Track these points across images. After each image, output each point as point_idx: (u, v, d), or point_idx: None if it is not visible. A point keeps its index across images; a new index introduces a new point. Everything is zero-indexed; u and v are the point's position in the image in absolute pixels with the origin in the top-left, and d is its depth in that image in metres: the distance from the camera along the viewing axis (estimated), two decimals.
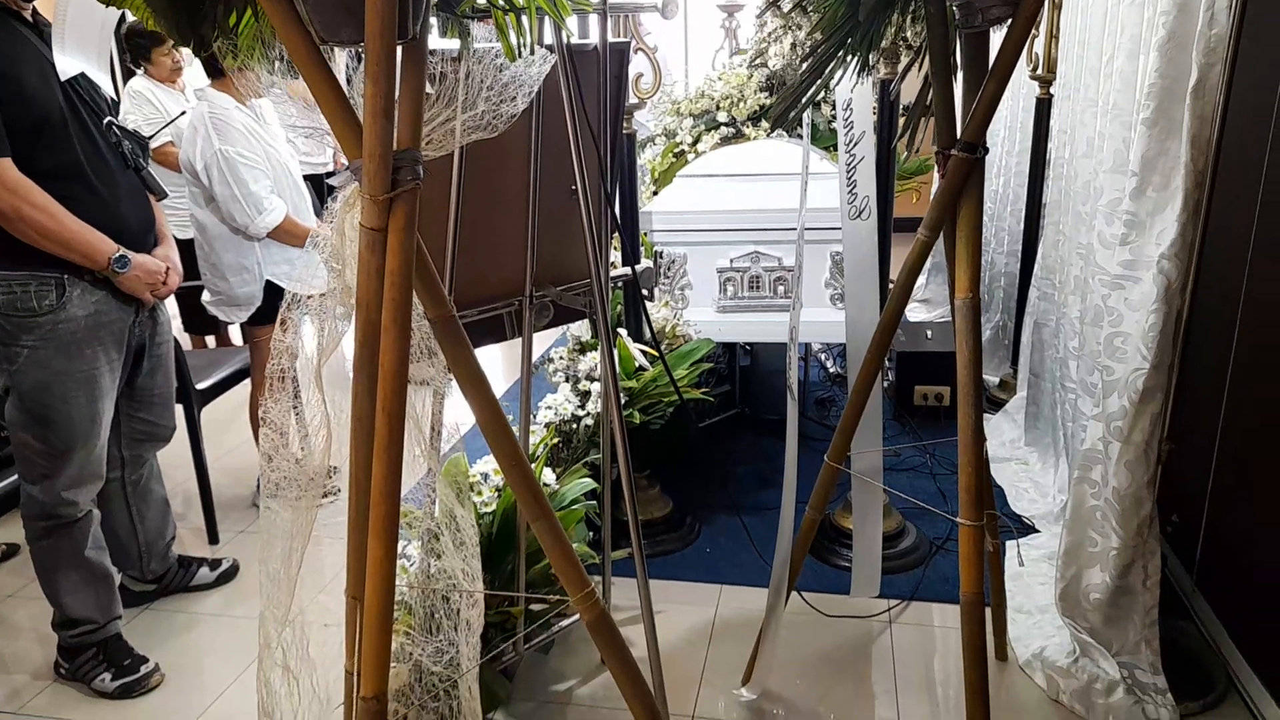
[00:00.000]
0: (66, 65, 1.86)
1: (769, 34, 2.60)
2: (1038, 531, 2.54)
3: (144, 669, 2.11)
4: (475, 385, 1.17)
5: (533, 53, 1.20)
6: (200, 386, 2.72)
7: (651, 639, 1.60)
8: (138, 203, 2.10)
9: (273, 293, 2.75)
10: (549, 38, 1.45)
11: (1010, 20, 1.45)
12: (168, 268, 2.13)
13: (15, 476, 2.07)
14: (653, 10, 1.68)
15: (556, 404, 2.51)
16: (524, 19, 1.12)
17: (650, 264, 2.55)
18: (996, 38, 1.51)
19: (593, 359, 2.57)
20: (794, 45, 2.59)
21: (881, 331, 1.70)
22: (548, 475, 2.04)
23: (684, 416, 2.57)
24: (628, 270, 1.81)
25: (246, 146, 2.65)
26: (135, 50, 3.57)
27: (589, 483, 2.09)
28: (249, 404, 2.90)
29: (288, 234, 2.72)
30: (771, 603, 1.89)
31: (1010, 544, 2.33)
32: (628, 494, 1.58)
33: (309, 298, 1.17)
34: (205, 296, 2.80)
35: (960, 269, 1.60)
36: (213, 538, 2.76)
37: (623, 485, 1.57)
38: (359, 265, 1.08)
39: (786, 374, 1.88)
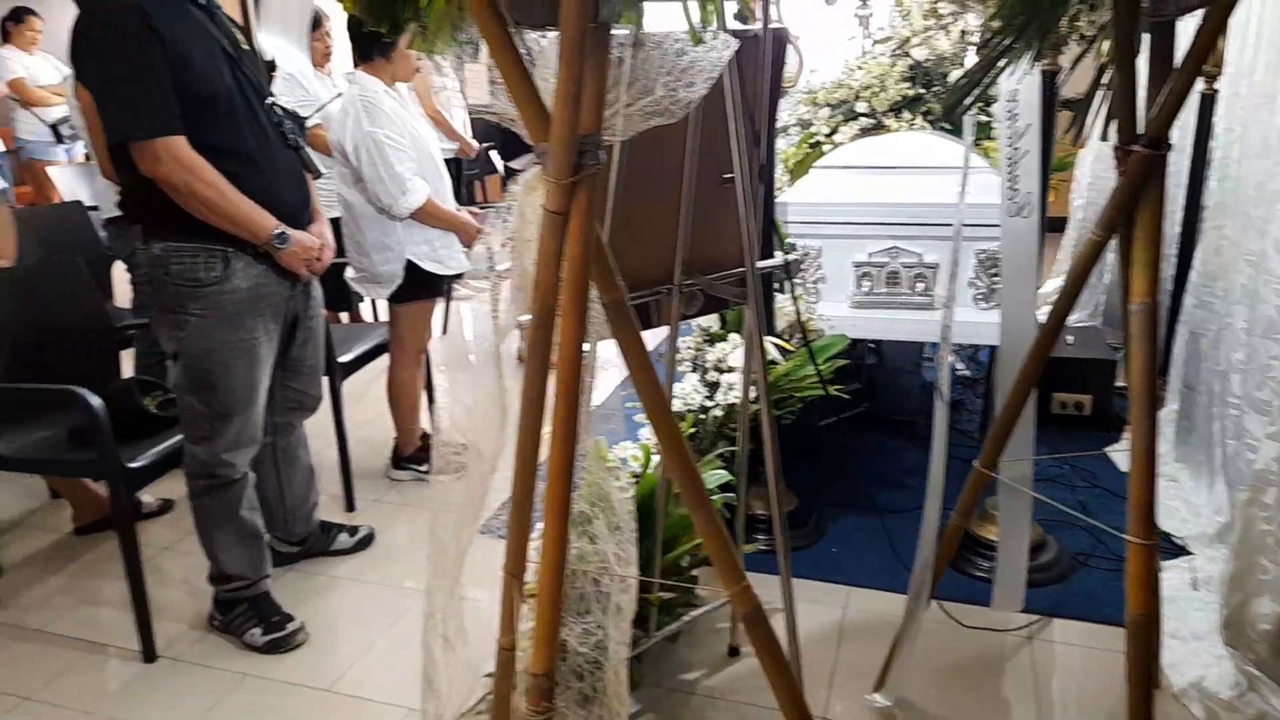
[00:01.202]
0: (269, 46, 1.94)
1: (937, 20, 2.51)
2: (1190, 553, 2.39)
3: (290, 627, 2.21)
4: (644, 370, 1.17)
5: (716, 38, 1.19)
6: (343, 359, 2.83)
7: (792, 637, 1.58)
8: (295, 181, 2.19)
9: (412, 271, 2.83)
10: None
11: (1205, 8, 1.36)
12: (322, 244, 2.21)
13: (180, 437, 2.19)
14: None
15: (684, 394, 2.50)
16: (709, 3, 1.10)
17: (796, 256, 2.51)
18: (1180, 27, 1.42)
19: (722, 349, 2.55)
20: (963, 34, 2.50)
21: (1046, 335, 1.62)
22: None
23: (812, 412, 2.53)
24: (776, 261, 1.78)
25: (394, 129, 2.73)
26: None
27: (723, 474, 2.08)
28: (387, 378, 2.99)
29: (429, 215, 2.80)
30: (911, 607, 1.84)
31: (1169, 564, 2.21)
32: (773, 490, 1.56)
33: (488, 278, 1.19)
34: (349, 273, 2.91)
35: (1138, 272, 1.51)
36: (349, 505, 2.88)
37: (768, 480, 1.55)
38: (539, 248, 1.09)
39: (936, 375, 1.82)
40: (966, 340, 3.15)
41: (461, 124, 5.04)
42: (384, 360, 3.05)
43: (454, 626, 1.32)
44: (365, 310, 4.48)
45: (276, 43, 1.90)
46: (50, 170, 4.58)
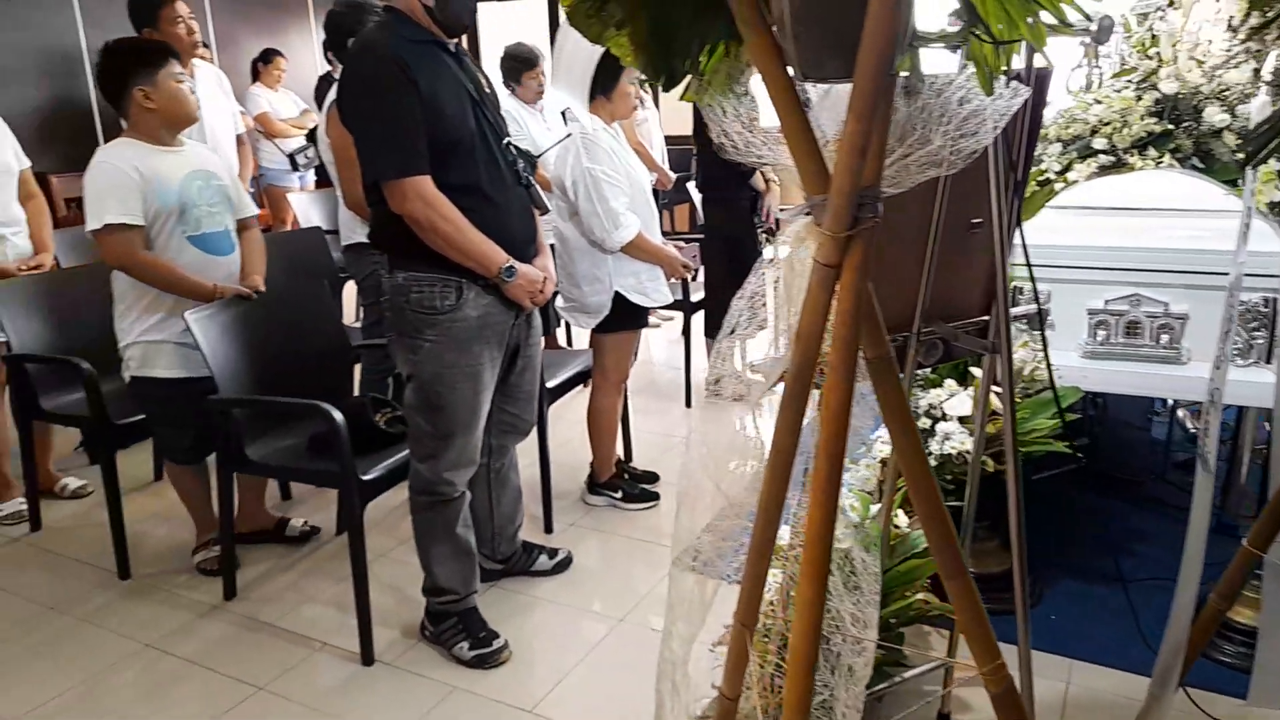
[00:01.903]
0: (558, 98, 2.06)
1: (1230, 58, 2.32)
2: None
3: (495, 644, 2.29)
4: (905, 427, 1.12)
5: (1007, 85, 1.14)
6: (549, 385, 2.92)
7: (1031, 715, 1.47)
8: (524, 216, 2.28)
9: (619, 302, 2.89)
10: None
11: None
12: (545, 277, 2.29)
13: (405, 453, 2.32)
14: (1084, 34, 1.55)
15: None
16: (1000, 50, 1.06)
17: (1045, 303, 2.38)
18: None
19: (936, 395, 2.44)
20: (1256, 72, 2.30)
21: None
22: (901, 518, 1.96)
23: (1027, 466, 2.37)
24: (1029, 308, 1.69)
25: (610, 166, 2.81)
26: (508, 73, 3.93)
27: None
28: (588, 405, 3.07)
29: (638, 249, 2.85)
30: (1156, 693, 1.67)
31: None
32: (1016, 552, 1.46)
33: (751, 327, 1.18)
34: (559, 302, 3.01)
35: None
36: (548, 527, 2.96)
37: (1013, 544, 1.46)
38: (807, 300, 1.07)
39: (1201, 441, 1.66)
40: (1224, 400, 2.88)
41: (660, 155, 5.14)
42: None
43: (682, 673, 1.31)
44: (559, 338, 4.63)
45: (561, 96, 2.00)
46: (290, 196, 5.04)
